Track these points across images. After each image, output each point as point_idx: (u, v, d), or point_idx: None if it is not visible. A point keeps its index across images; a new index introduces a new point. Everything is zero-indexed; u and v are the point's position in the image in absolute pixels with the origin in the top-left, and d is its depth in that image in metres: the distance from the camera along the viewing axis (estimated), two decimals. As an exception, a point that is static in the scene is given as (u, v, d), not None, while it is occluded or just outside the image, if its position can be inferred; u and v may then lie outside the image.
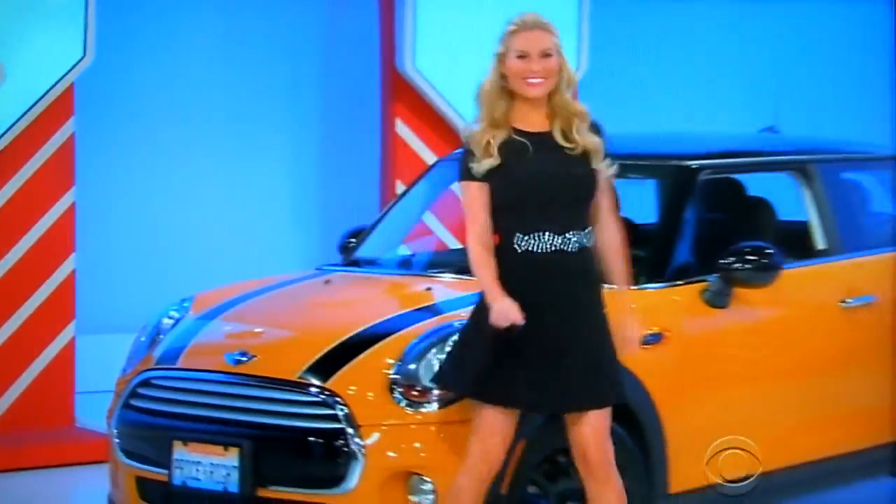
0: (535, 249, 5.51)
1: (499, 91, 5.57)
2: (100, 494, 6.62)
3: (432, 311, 6.19)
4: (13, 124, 8.16)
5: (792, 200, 7.19)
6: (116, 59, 9.19)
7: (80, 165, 8.50)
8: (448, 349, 5.79)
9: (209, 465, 5.92)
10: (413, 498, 5.75)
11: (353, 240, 7.25)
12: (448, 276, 6.68)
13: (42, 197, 8.36)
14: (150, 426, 6.15)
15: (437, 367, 5.80)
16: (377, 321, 6.09)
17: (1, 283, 8.33)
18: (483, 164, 5.48)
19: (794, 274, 6.77)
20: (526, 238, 5.51)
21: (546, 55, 5.53)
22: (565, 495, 5.93)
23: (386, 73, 9.27)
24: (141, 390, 6.22)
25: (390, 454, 5.75)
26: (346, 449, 5.73)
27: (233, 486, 5.86)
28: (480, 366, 5.51)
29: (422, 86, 9.07)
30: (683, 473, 6.29)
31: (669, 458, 6.23)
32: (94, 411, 7.33)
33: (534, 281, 5.52)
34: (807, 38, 10.99)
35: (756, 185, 7.25)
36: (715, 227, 6.79)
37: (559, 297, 5.54)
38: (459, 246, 8.47)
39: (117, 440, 6.28)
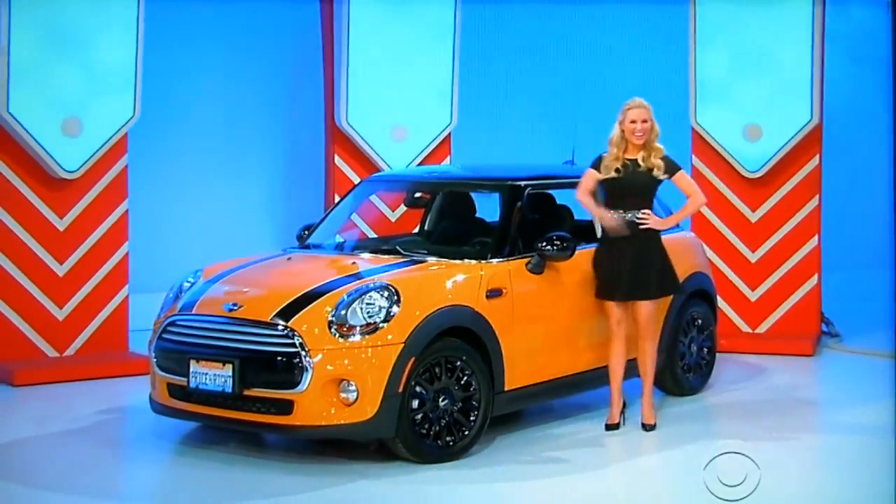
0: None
1: (620, 137, 6.43)
2: (143, 394, 6.58)
3: (356, 277, 6.19)
4: (87, 160, 8.03)
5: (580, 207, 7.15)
6: (156, 113, 8.97)
7: (132, 184, 8.36)
8: (368, 302, 5.84)
9: (213, 375, 5.91)
10: (343, 395, 5.77)
11: (306, 231, 7.20)
12: (367, 255, 6.66)
13: (107, 206, 8.21)
14: (175, 351, 6.14)
15: (359, 313, 5.84)
16: (321, 283, 6.10)
17: (81, 260, 8.14)
18: (602, 174, 6.46)
19: (585, 253, 6.75)
20: (614, 211, 6.43)
21: (644, 121, 6.27)
22: (439, 392, 5.98)
23: (328, 125, 9.20)
24: (170, 328, 6.21)
25: (329, 367, 5.77)
26: (300, 364, 5.75)
27: (228, 388, 5.87)
28: (601, 277, 6.54)
29: (351, 134, 9.00)
30: (513, 377, 6.33)
31: (505, 367, 6.27)
32: (141, 342, 7.25)
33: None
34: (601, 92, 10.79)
35: (561, 196, 7.23)
36: (535, 223, 6.80)
37: (629, 244, 6.44)
38: (375, 236, 8.54)
39: (155, 360, 6.27)
